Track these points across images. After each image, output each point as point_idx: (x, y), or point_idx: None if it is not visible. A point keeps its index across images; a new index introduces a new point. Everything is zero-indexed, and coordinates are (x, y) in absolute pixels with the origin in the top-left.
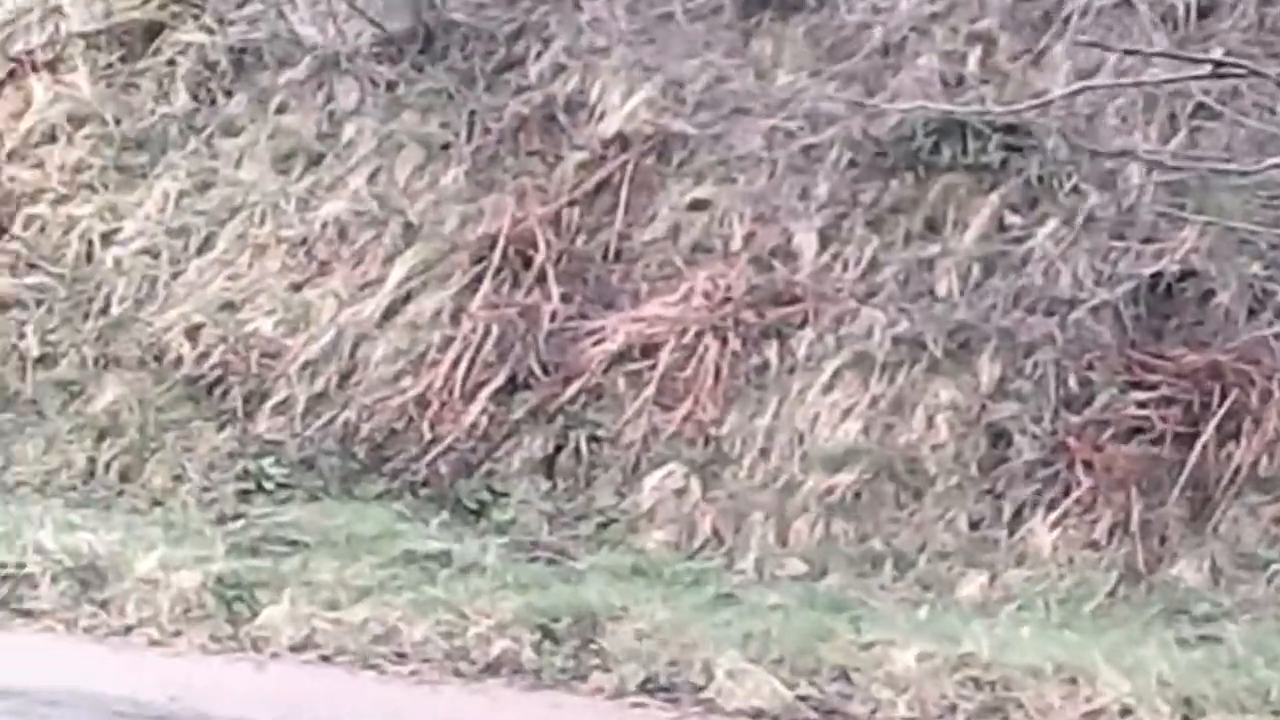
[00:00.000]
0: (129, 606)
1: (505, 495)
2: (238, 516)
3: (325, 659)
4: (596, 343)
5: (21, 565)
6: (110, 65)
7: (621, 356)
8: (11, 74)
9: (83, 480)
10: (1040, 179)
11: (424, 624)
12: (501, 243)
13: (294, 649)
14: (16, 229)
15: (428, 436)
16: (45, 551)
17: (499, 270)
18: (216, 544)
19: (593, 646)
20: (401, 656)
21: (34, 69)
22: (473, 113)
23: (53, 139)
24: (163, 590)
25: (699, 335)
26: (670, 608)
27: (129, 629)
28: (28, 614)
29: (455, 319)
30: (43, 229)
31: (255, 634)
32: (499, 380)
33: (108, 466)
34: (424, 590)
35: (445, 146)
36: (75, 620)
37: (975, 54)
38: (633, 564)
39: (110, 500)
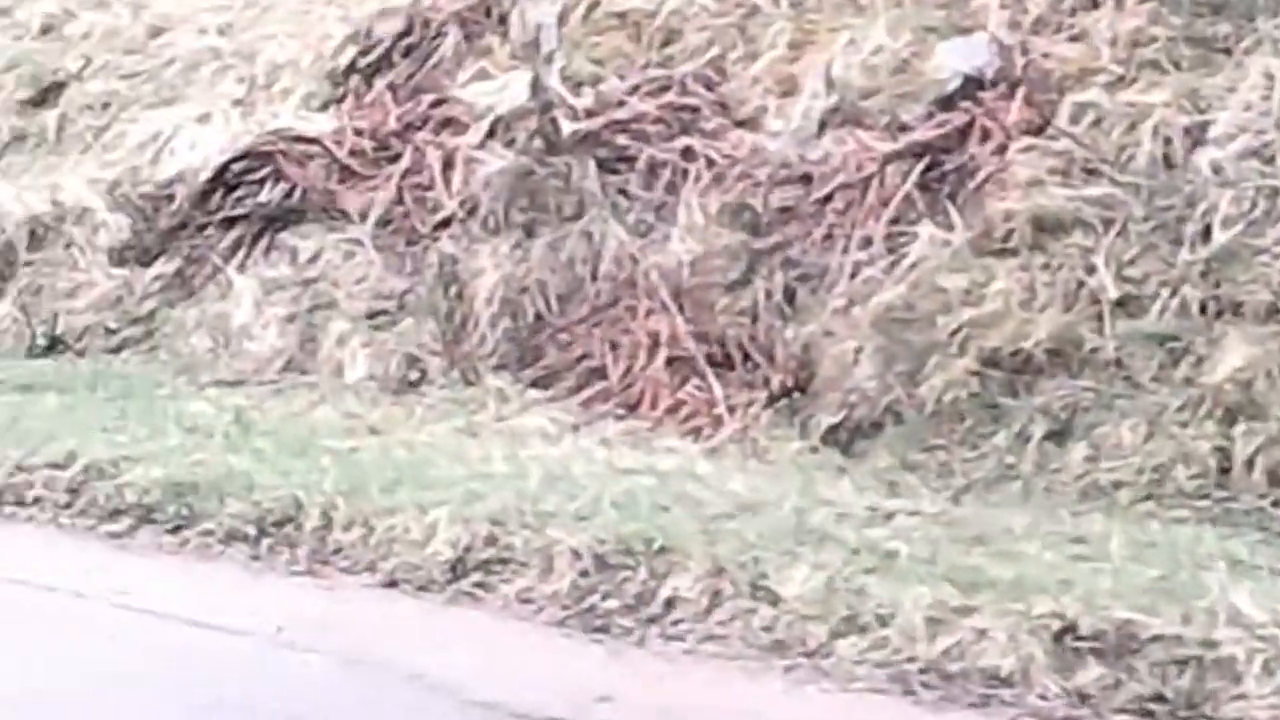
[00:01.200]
0: None
1: None
2: None
3: None
4: None
5: (1211, 643)
6: None
7: None
8: None
9: (1214, 483)
10: None
11: None
12: None
13: None
14: (1062, 121)
15: None
16: (1243, 621)
17: None
18: None
19: None
20: None
21: None
22: None
23: (1095, 4)
24: None
25: None
26: None
27: None
28: None
29: None
30: (1098, 122)
31: None
32: None
33: (1249, 464)
34: None
35: None
36: None
37: None
38: None
39: (1262, 516)
